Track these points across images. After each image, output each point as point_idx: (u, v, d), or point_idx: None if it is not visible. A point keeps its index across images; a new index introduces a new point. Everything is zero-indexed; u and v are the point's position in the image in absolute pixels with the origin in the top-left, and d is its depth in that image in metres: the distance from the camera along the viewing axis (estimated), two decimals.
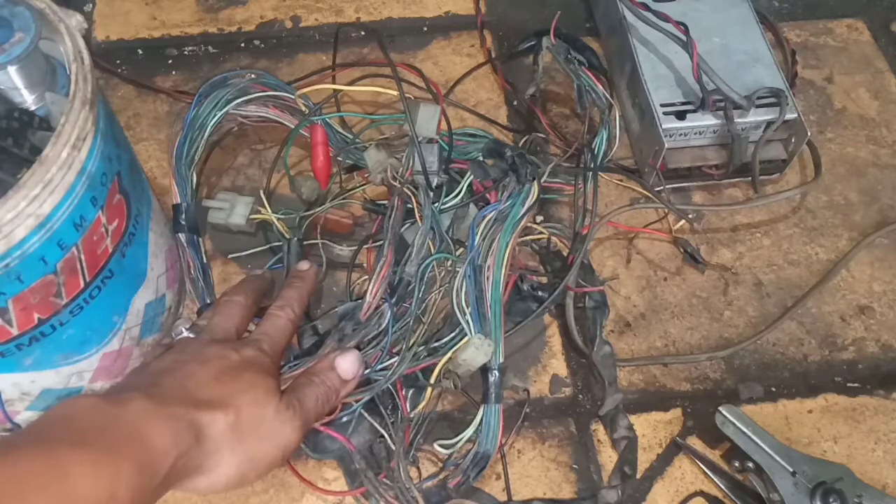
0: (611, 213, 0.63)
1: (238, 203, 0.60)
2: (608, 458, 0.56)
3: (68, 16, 0.45)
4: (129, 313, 0.49)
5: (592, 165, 0.63)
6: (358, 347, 0.52)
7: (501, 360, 0.53)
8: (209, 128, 0.60)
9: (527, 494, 0.54)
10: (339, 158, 0.63)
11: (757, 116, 0.63)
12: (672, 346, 0.60)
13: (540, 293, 0.58)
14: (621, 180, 0.67)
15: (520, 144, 0.66)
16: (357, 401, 0.51)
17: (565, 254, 0.62)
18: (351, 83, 0.64)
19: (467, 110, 0.70)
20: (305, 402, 0.46)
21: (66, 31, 0.44)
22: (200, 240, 0.58)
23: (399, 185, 0.57)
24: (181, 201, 0.57)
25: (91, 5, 0.76)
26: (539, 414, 0.57)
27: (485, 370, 0.53)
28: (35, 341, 0.43)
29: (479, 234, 0.56)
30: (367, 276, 0.57)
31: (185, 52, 0.74)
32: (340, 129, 0.63)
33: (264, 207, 0.59)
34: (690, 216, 0.64)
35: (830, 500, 0.50)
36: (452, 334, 0.54)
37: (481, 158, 0.63)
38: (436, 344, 0.54)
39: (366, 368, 0.51)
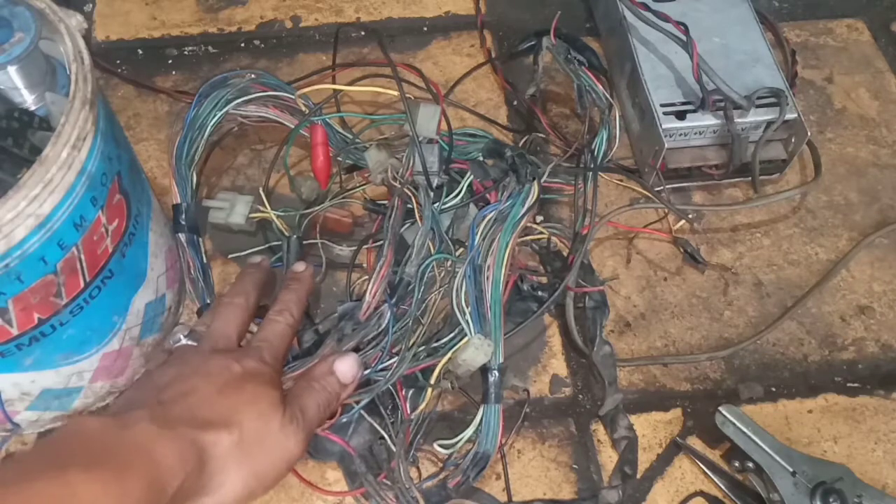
0: (611, 213, 0.63)
1: (238, 202, 0.60)
2: (608, 458, 0.56)
3: (68, 16, 0.45)
4: (129, 313, 0.49)
5: (592, 165, 0.63)
6: (357, 348, 0.52)
7: (501, 360, 0.53)
8: (209, 128, 0.60)
9: (527, 495, 0.54)
10: (339, 158, 0.63)
11: (757, 116, 0.63)
12: (672, 346, 0.60)
13: (540, 293, 0.58)
14: (621, 180, 0.67)
15: (520, 144, 0.66)
16: (357, 402, 0.51)
17: (565, 254, 0.62)
18: (351, 83, 0.64)
19: (467, 110, 0.70)
20: (308, 412, 0.46)
21: (66, 31, 0.44)
22: (200, 240, 0.58)
23: (399, 186, 0.57)
24: (181, 201, 0.57)
25: (91, 5, 0.76)
26: (539, 414, 0.57)
27: (485, 370, 0.52)
28: (35, 341, 0.43)
29: (479, 234, 0.56)
30: (367, 277, 0.57)
31: (185, 52, 0.74)
32: (340, 130, 0.63)
33: (264, 206, 0.60)
34: (690, 216, 0.64)
35: (830, 500, 0.50)
36: (452, 334, 0.54)
37: (481, 158, 0.63)
38: (435, 344, 0.54)
39: (365, 369, 0.51)
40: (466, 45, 0.76)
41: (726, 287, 0.63)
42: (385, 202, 0.61)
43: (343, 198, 0.62)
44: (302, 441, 0.45)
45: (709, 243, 0.65)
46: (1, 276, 0.39)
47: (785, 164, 0.66)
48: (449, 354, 0.52)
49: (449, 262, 0.56)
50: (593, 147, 0.64)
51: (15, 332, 0.42)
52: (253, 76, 0.61)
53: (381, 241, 0.55)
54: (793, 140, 0.64)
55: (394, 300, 0.53)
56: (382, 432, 0.52)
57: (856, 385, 0.60)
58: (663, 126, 0.62)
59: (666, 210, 0.64)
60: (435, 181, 0.58)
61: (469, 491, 0.52)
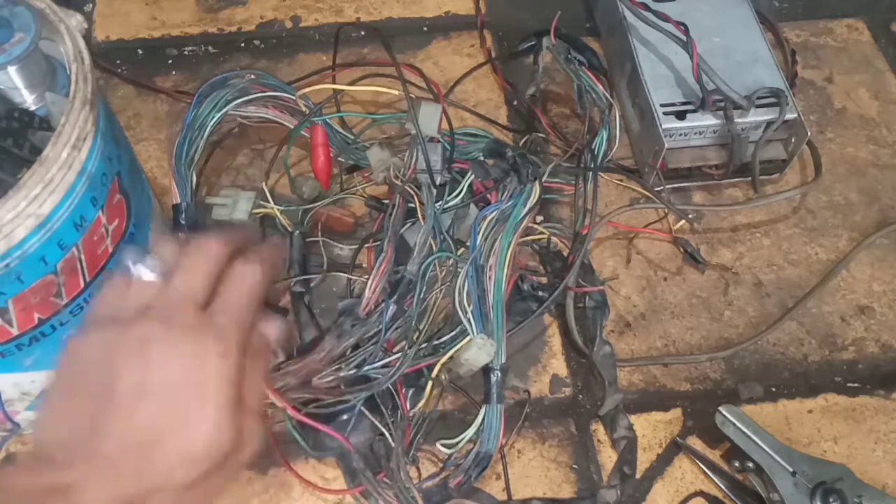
0: (611, 213, 0.63)
1: (240, 199, 0.61)
2: (608, 458, 0.56)
3: (68, 16, 0.45)
4: None
5: (592, 165, 0.63)
6: (357, 345, 0.52)
7: (504, 360, 0.53)
8: (209, 128, 0.60)
9: (527, 494, 0.54)
10: (340, 159, 0.63)
11: (757, 116, 0.63)
12: (672, 347, 0.60)
13: (540, 293, 0.58)
14: (621, 180, 0.67)
15: (520, 144, 0.66)
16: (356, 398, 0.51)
17: (565, 254, 0.62)
18: (351, 83, 0.64)
19: (467, 110, 0.70)
20: (254, 406, 0.37)
21: (66, 31, 0.44)
22: None
23: (401, 184, 0.57)
24: (181, 201, 0.57)
25: (91, 5, 0.76)
26: (539, 414, 0.57)
27: (487, 370, 0.53)
28: (35, 341, 0.43)
29: (480, 233, 0.56)
30: (367, 276, 0.57)
31: (185, 52, 0.74)
32: (341, 130, 0.63)
33: (267, 202, 0.60)
34: (690, 216, 0.64)
35: (830, 500, 0.50)
36: (453, 333, 0.53)
37: (482, 158, 0.63)
38: (436, 342, 0.54)
39: (364, 366, 0.51)
40: (466, 45, 0.76)
41: (726, 287, 0.63)
42: (387, 201, 0.61)
43: (345, 194, 0.62)
44: (255, 443, 0.37)
45: (709, 243, 0.65)
46: (1, 276, 0.39)
47: (785, 164, 0.66)
48: (450, 353, 0.52)
49: (450, 262, 0.56)
50: (593, 147, 0.64)
51: (15, 332, 0.42)
52: (253, 76, 0.61)
53: (382, 240, 0.55)
54: (793, 140, 0.64)
55: (394, 298, 0.53)
56: (382, 429, 0.52)
57: (856, 385, 0.60)
58: (663, 126, 0.62)
59: (666, 210, 0.64)
60: (438, 179, 0.58)
61: (469, 491, 0.52)
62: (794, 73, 0.73)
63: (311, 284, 0.59)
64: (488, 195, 0.60)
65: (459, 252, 0.57)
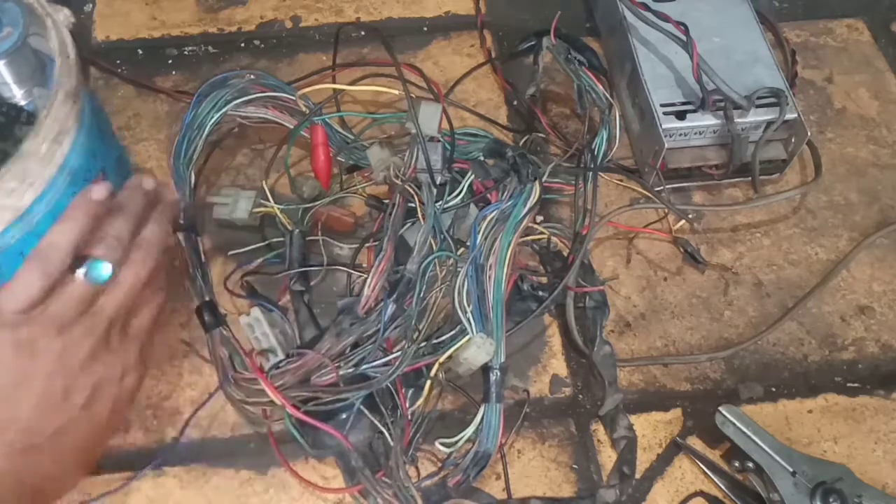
0: (611, 213, 0.63)
1: (241, 198, 0.61)
2: (608, 458, 0.55)
3: (56, 10, 0.45)
4: None
5: (592, 165, 0.63)
6: (357, 343, 0.52)
7: (503, 359, 0.53)
8: (208, 128, 0.60)
9: (526, 494, 0.54)
10: (340, 159, 0.63)
11: (757, 116, 0.63)
12: (672, 347, 0.60)
13: (540, 293, 0.58)
14: (621, 180, 0.67)
15: (520, 144, 0.66)
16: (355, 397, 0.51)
17: (565, 254, 0.61)
18: (351, 83, 0.64)
19: (467, 110, 0.70)
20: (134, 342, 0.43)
21: (52, 25, 0.43)
22: (199, 238, 0.58)
23: (401, 183, 0.57)
24: (180, 200, 0.57)
25: (91, 5, 0.76)
26: (539, 414, 0.57)
27: (486, 369, 0.52)
28: None
29: (480, 233, 0.56)
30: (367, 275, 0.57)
31: (185, 52, 0.74)
32: (341, 129, 0.63)
33: (267, 201, 0.60)
34: (690, 216, 0.64)
35: (830, 500, 0.50)
36: (453, 332, 0.53)
37: (482, 158, 0.63)
38: (436, 341, 0.54)
39: (364, 364, 0.51)
40: (466, 45, 0.76)
41: (726, 287, 0.63)
42: (387, 200, 0.61)
43: (345, 193, 0.62)
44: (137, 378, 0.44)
45: (709, 243, 0.65)
46: None
47: (785, 164, 0.66)
48: (449, 352, 0.52)
49: (450, 261, 0.56)
50: (593, 147, 0.64)
51: None
52: (252, 77, 0.61)
53: (382, 239, 0.55)
54: (793, 140, 0.64)
55: (394, 297, 0.53)
56: (381, 428, 0.52)
57: (856, 385, 0.59)
58: (663, 126, 0.62)
59: (666, 210, 0.64)
60: (438, 178, 0.58)
61: (468, 490, 0.52)
62: (794, 73, 0.73)
63: (311, 283, 0.60)
64: (488, 195, 0.60)
65: (459, 252, 0.57)
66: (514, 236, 0.56)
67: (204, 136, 0.60)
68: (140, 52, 0.73)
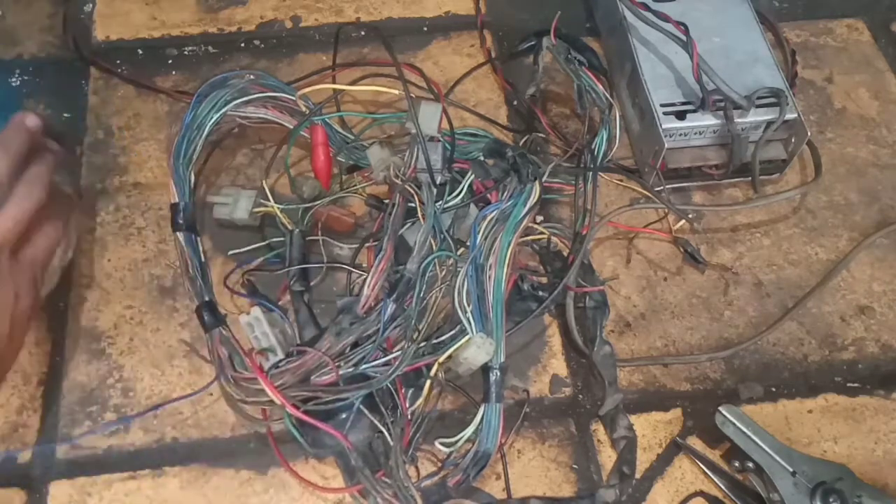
0: (611, 213, 0.63)
1: (241, 197, 0.61)
2: (608, 458, 0.55)
3: None
4: None
5: (592, 165, 0.63)
6: (356, 343, 0.52)
7: (503, 359, 0.53)
8: (207, 128, 0.59)
9: (526, 494, 0.54)
10: (340, 159, 0.63)
11: (757, 116, 0.63)
12: (672, 347, 0.60)
13: (540, 293, 0.58)
14: (621, 180, 0.67)
15: (520, 144, 0.66)
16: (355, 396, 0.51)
17: (565, 254, 0.61)
18: (351, 83, 0.64)
19: (467, 110, 0.70)
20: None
21: None
22: (198, 238, 0.58)
23: (401, 183, 0.57)
24: (179, 200, 0.57)
25: (91, 5, 0.76)
26: (539, 414, 0.57)
27: (486, 369, 0.52)
28: None
29: (480, 233, 0.56)
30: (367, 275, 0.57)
31: (185, 52, 0.74)
32: (340, 129, 0.63)
33: (267, 200, 0.60)
34: (690, 216, 0.64)
35: (830, 500, 0.50)
36: (452, 332, 0.53)
37: (482, 158, 0.63)
38: (436, 341, 0.54)
39: (363, 363, 0.51)
40: (466, 45, 0.76)
41: (726, 287, 0.63)
42: (387, 200, 0.61)
43: (345, 193, 0.62)
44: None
45: (709, 243, 0.65)
46: None
47: (785, 164, 0.66)
48: (449, 352, 0.52)
49: (450, 261, 0.56)
50: (593, 147, 0.64)
51: None
52: (252, 77, 0.61)
53: (382, 239, 0.55)
54: (793, 140, 0.64)
55: (393, 296, 0.53)
56: (381, 428, 0.52)
57: (856, 385, 0.59)
58: (663, 126, 0.62)
59: (666, 210, 0.64)
60: (438, 178, 0.58)
61: (468, 490, 0.52)
62: (794, 73, 0.73)
63: (311, 283, 0.60)
64: (488, 195, 0.60)
65: (459, 251, 0.57)
66: (514, 236, 0.56)
67: (204, 136, 0.60)
68: (140, 52, 0.73)
